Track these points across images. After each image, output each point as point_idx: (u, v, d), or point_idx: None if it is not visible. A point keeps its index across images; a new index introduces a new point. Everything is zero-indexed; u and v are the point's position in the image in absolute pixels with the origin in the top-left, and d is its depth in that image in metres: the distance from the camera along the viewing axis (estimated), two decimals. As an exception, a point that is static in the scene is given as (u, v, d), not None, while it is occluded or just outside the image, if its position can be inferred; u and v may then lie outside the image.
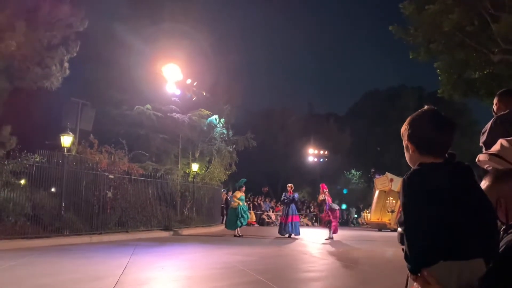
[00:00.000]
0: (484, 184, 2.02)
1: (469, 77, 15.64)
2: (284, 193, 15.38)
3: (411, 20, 15.38)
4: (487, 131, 3.07)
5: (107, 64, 17.13)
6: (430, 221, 1.62)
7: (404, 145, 1.81)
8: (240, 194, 14.70)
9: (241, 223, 14.39)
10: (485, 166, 2.58)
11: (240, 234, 14.10)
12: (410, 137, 1.75)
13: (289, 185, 15.36)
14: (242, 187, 14.99)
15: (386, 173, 24.38)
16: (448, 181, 1.64)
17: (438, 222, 1.62)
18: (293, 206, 14.85)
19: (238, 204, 14.41)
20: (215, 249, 10.30)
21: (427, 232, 1.62)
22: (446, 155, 1.73)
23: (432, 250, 1.63)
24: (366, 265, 7.96)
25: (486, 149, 2.82)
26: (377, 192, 23.96)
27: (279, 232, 14.66)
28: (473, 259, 1.57)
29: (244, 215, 14.52)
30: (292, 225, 14.48)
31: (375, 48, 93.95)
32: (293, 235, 14.41)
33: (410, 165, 1.77)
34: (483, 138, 3.10)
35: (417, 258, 1.64)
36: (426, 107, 1.76)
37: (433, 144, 1.70)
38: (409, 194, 1.69)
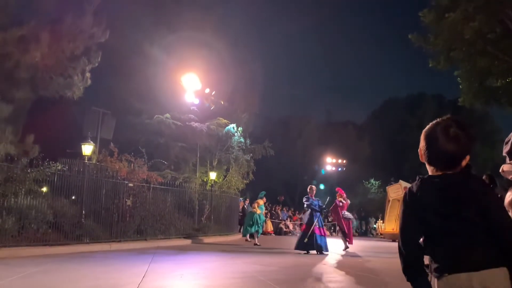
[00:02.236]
0: (509, 196, 1.98)
1: (491, 85, 15.39)
2: (307, 197, 12.36)
3: (431, 28, 15.24)
4: (510, 140, 3.00)
5: (128, 74, 17.43)
6: (417, 238, 1.68)
7: None
8: (262, 202, 14.90)
9: (257, 231, 14.51)
10: (510, 177, 2.52)
11: (258, 244, 14.05)
12: (420, 149, 1.79)
13: (312, 186, 12.72)
14: (263, 198, 15.21)
15: (400, 181, 23.87)
16: (433, 196, 1.66)
17: (429, 238, 1.66)
18: (319, 215, 12.22)
19: (256, 211, 14.64)
20: (233, 258, 10.28)
21: (419, 247, 1.68)
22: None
23: (423, 262, 1.66)
24: (386, 275, 7.84)
25: (510, 159, 2.76)
26: (390, 201, 23.43)
27: (300, 247, 11.76)
28: (484, 270, 1.56)
29: (259, 223, 14.57)
30: (322, 239, 11.79)
31: (395, 56, 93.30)
32: (314, 252, 11.63)
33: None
34: (506, 147, 3.02)
35: (413, 272, 1.67)
36: (444, 117, 1.77)
37: (435, 156, 1.72)
38: (402, 211, 1.76)
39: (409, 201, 1.72)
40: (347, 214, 13.60)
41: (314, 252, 11.58)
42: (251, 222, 14.61)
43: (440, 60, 15.61)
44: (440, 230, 1.63)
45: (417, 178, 1.77)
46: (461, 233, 1.60)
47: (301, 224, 13.53)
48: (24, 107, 11.80)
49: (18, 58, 10.42)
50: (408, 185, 22.81)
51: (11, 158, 10.21)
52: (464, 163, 1.70)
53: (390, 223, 23.02)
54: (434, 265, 1.64)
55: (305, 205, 12.65)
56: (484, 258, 1.57)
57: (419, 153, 1.80)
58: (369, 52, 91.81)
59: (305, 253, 11.49)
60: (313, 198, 12.34)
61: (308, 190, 12.50)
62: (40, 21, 10.78)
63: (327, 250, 11.72)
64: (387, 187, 24.85)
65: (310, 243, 11.57)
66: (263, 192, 15.51)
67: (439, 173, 1.71)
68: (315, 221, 11.81)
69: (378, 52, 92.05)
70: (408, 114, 39.55)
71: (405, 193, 1.76)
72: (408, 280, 1.69)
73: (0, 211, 9.46)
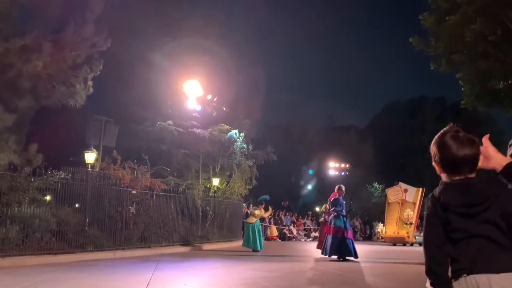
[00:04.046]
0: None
1: (493, 87, 15.35)
2: (337, 198, 11.39)
3: (432, 31, 15.23)
4: (515, 142, 3.00)
5: (130, 82, 17.50)
6: (439, 241, 1.71)
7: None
8: (258, 211, 14.27)
9: (259, 244, 13.87)
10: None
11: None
12: (434, 158, 1.82)
13: (341, 185, 11.82)
14: (262, 204, 14.48)
15: (400, 183, 23.63)
16: (454, 197, 1.70)
17: (450, 239, 1.69)
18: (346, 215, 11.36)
19: (253, 221, 14.03)
20: (237, 264, 10.25)
21: (439, 249, 1.70)
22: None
23: (445, 265, 1.68)
24: (391, 280, 7.80)
25: (515, 161, 2.75)
26: (390, 204, 23.13)
27: (335, 252, 10.89)
28: (504, 273, 1.55)
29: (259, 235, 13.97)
30: (353, 243, 11.03)
31: (396, 59, 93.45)
32: (347, 258, 10.91)
33: None
34: (510, 150, 3.02)
35: (432, 274, 1.70)
36: (448, 126, 1.81)
37: (454, 165, 1.75)
38: (425, 215, 1.80)
39: (432, 205, 1.76)
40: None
41: (349, 258, 10.83)
42: (249, 235, 13.92)
43: (442, 63, 15.58)
44: (461, 231, 1.66)
45: (440, 183, 1.80)
46: (483, 234, 1.61)
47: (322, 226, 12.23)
48: (27, 116, 11.83)
49: (21, 67, 10.46)
50: (409, 187, 22.69)
51: (15, 167, 10.23)
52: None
53: (391, 227, 22.62)
54: (452, 266, 1.66)
55: (335, 209, 11.29)
56: (505, 261, 1.57)
57: (435, 166, 1.84)
58: (370, 56, 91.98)
59: (341, 260, 10.79)
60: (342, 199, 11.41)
61: (336, 190, 11.49)
62: (42, 30, 10.84)
63: (356, 256, 10.93)
64: (386, 190, 24.54)
65: (344, 249, 10.82)
66: (265, 197, 14.56)
67: (461, 177, 1.74)
68: (345, 224, 11.03)
69: (379, 56, 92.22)
70: (411, 117, 39.53)
71: (428, 197, 1.80)
72: (431, 285, 1.71)
73: (4, 220, 9.46)
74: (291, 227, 26.10)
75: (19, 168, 10.30)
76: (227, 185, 20.29)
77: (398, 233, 22.00)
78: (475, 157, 1.72)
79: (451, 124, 1.79)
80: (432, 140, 1.83)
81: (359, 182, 33.57)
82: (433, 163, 1.84)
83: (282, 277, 7.85)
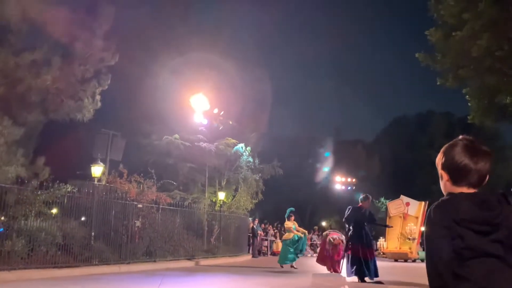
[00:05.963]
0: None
1: (500, 102, 15.26)
2: (350, 207, 9.93)
3: (438, 46, 15.23)
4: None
5: (137, 96, 17.65)
6: (449, 255, 1.58)
7: (439, 174, 1.78)
8: (291, 224, 13.54)
9: (296, 255, 13.41)
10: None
11: (295, 267, 13.35)
12: (444, 166, 1.73)
13: (367, 195, 9.97)
14: (291, 216, 13.73)
15: (401, 196, 23.14)
16: (473, 212, 1.60)
17: (459, 255, 1.58)
18: (368, 230, 9.80)
19: (288, 237, 13.50)
20: (243, 279, 10.15)
21: (447, 267, 1.59)
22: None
23: (452, 285, 1.57)
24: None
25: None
26: (391, 218, 22.56)
27: (358, 274, 9.32)
28: None
29: (294, 247, 13.30)
30: (374, 263, 9.49)
31: (402, 74, 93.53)
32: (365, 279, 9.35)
33: (444, 194, 1.75)
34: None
35: None
36: (461, 136, 1.75)
37: (466, 174, 1.67)
38: (431, 226, 1.67)
39: (445, 216, 1.62)
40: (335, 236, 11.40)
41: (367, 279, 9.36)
42: (287, 251, 13.36)
43: (448, 78, 15.52)
44: (474, 249, 1.58)
45: (447, 194, 1.71)
46: (495, 254, 1.56)
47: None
48: (35, 129, 11.95)
49: (30, 82, 10.61)
50: (411, 200, 22.16)
51: (22, 180, 10.28)
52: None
53: (393, 242, 21.78)
54: (460, 285, 1.57)
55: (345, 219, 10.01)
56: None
57: (440, 171, 1.75)
58: (377, 71, 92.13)
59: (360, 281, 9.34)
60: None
61: (361, 199, 9.88)
62: (51, 45, 11.01)
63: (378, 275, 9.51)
64: (387, 203, 24.03)
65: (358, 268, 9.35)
66: (290, 209, 13.82)
67: (468, 191, 1.67)
68: (366, 239, 9.57)
69: (385, 70, 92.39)
70: (418, 132, 39.44)
71: (435, 207, 1.67)
72: None
73: (10, 233, 9.49)
74: (298, 242, 25.83)
75: (26, 181, 10.35)
76: (233, 199, 20.23)
77: (400, 248, 21.43)
78: (488, 172, 1.66)
79: (465, 136, 1.73)
80: None
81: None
82: (440, 171, 1.75)
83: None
